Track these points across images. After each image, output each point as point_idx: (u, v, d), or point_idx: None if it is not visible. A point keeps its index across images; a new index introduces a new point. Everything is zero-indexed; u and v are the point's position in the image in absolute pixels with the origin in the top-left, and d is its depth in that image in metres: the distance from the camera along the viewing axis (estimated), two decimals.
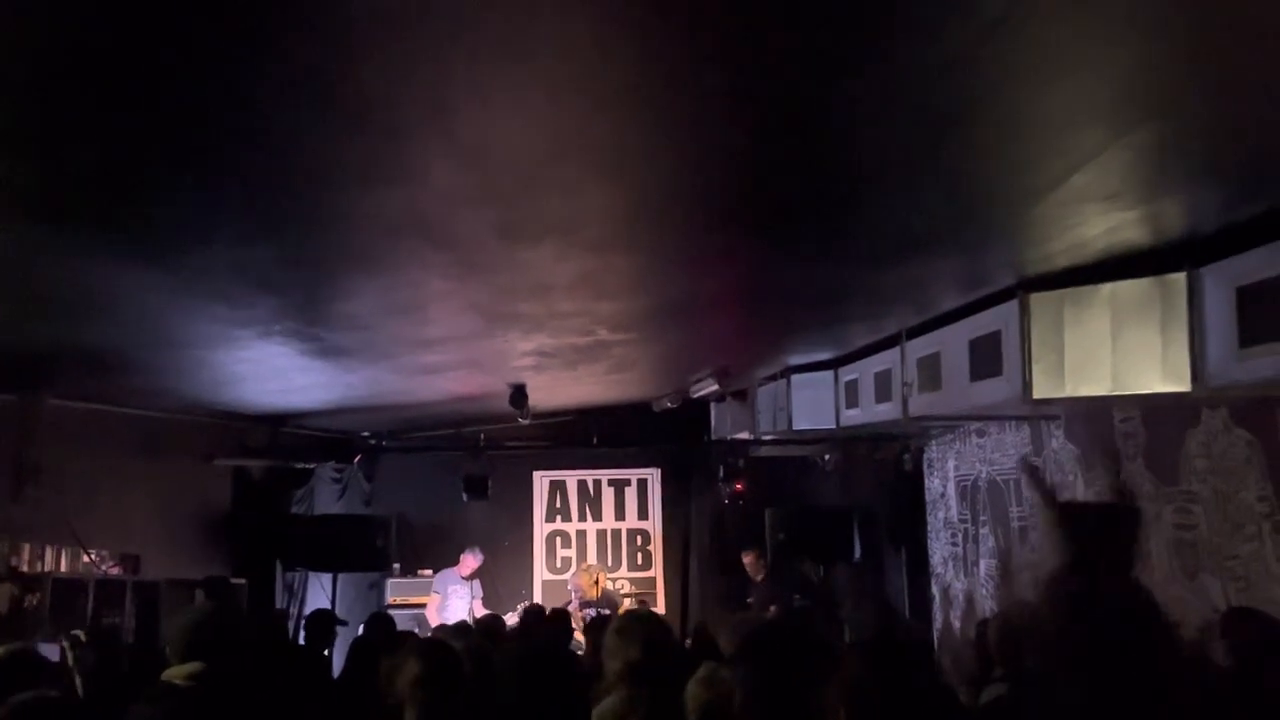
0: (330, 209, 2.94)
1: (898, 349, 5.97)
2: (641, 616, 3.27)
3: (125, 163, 2.63)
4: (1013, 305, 4.60)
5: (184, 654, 2.96)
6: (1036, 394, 4.43)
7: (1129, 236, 3.80)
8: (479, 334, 5.19)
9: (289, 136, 2.40)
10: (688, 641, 5.42)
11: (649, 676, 2.78)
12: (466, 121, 2.37)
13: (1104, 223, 3.55)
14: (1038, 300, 4.48)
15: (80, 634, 4.65)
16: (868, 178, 3.20)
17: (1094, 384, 4.32)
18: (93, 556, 5.96)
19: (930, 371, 5.56)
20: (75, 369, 5.34)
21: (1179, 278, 4.02)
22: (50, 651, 4.32)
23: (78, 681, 4.17)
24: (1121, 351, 4.23)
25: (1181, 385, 3.97)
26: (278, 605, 8.93)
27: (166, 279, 3.67)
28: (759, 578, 9.08)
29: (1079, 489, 5.89)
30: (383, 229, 3.16)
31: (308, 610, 7.82)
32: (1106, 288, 4.27)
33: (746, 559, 9.20)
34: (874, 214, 3.60)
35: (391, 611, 8.79)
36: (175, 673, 2.93)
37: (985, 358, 4.89)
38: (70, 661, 4.22)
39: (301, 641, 6.61)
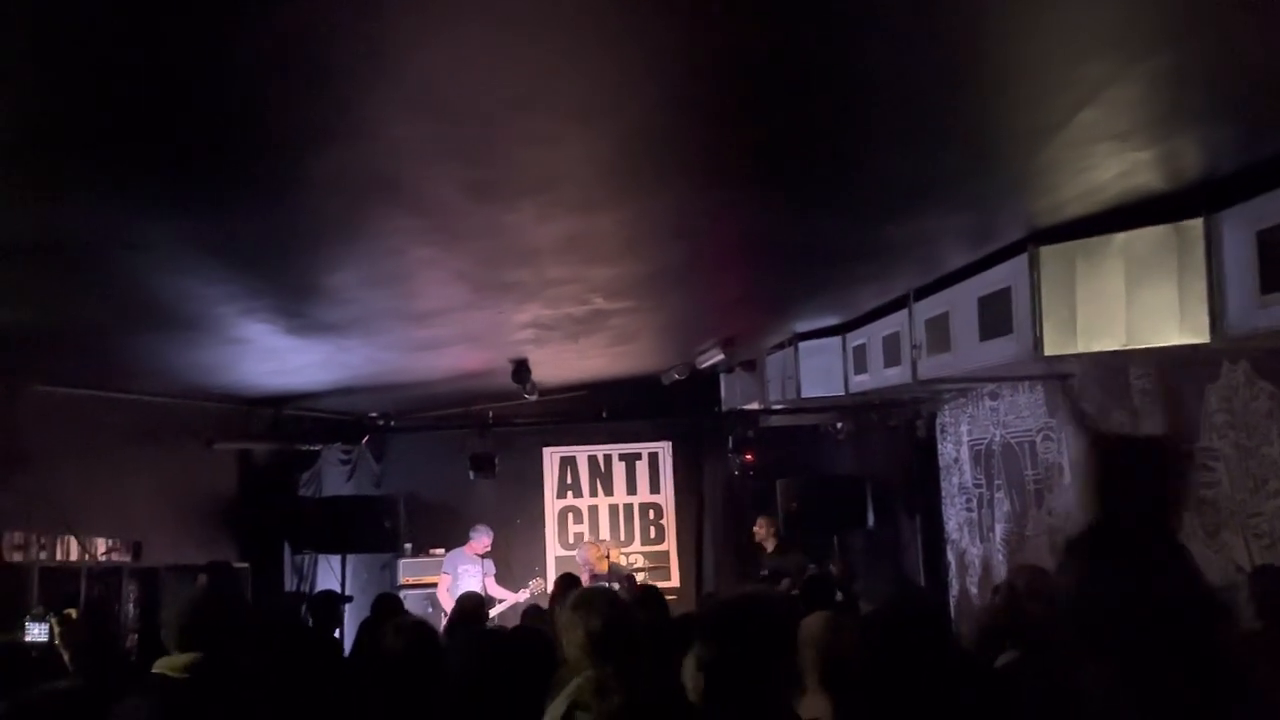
0: (286, 174, 2.77)
1: (905, 311, 5.82)
2: (599, 591, 3.16)
3: (86, 132, 2.49)
4: (1022, 260, 4.44)
5: (180, 642, 2.84)
6: (1048, 350, 4.27)
7: (1143, 181, 3.62)
8: (470, 305, 5.04)
9: (224, 92, 2.23)
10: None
11: (611, 650, 2.66)
12: (411, 64, 2.17)
13: (1116, 165, 3.37)
14: (1048, 253, 4.31)
15: (71, 612, 4.59)
16: (869, 122, 3.01)
17: (1108, 339, 4.15)
18: (85, 544, 5.89)
19: (939, 332, 5.41)
20: (58, 352, 5.23)
21: (1195, 224, 3.85)
22: (41, 632, 4.25)
23: (65, 657, 4.10)
24: (1136, 304, 4.07)
25: (1200, 336, 3.81)
26: (287, 589, 8.87)
27: (135, 256, 3.54)
28: (770, 548, 8.97)
29: None
30: (347, 193, 2.99)
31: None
32: (1120, 237, 4.10)
33: (757, 528, 9.08)
34: (876, 162, 3.42)
35: (404, 592, 8.76)
36: (170, 664, 2.82)
37: (995, 316, 4.73)
38: (58, 640, 4.15)
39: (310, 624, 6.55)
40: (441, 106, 2.40)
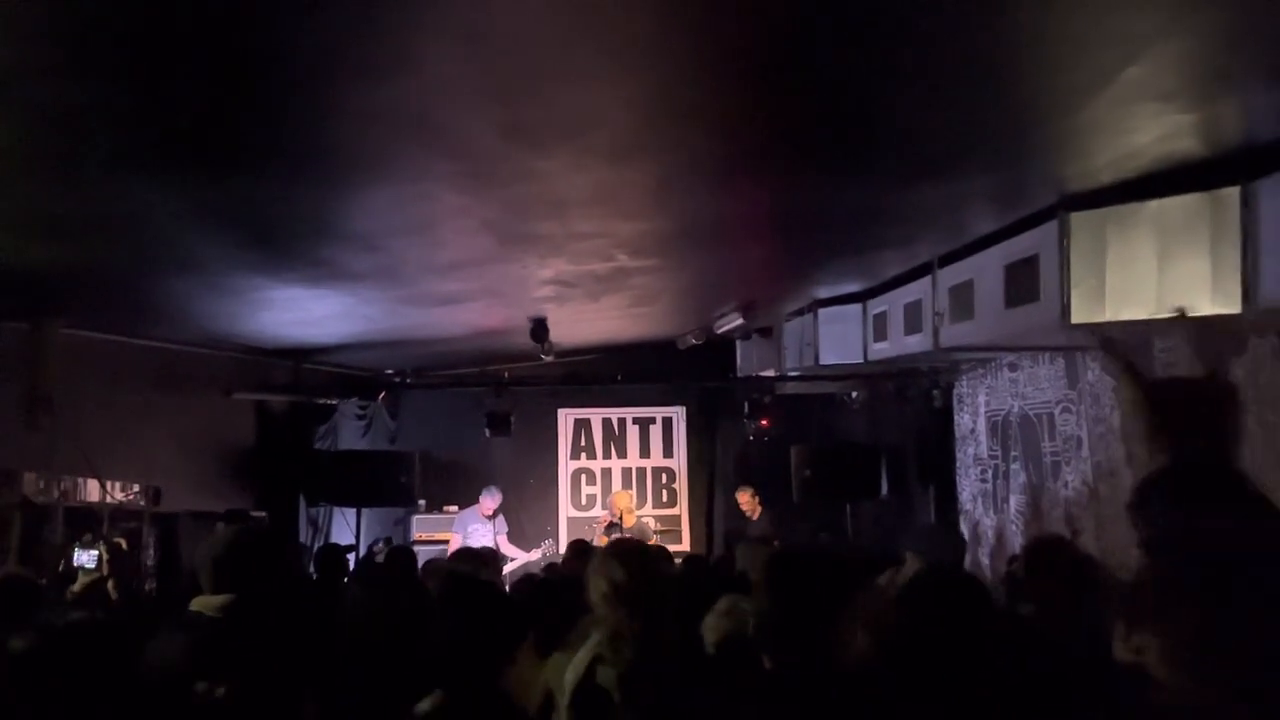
0: (322, 109, 2.75)
1: (928, 278, 5.79)
2: (629, 542, 3.17)
3: (108, 58, 2.48)
4: (1051, 226, 4.40)
5: (215, 583, 2.83)
6: (1075, 318, 4.24)
7: (1182, 145, 3.57)
8: (495, 258, 5.03)
9: (259, 18, 2.20)
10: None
11: (631, 601, 2.67)
12: None
13: (1157, 128, 3.32)
14: (1079, 220, 4.27)
15: (122, 541, 4.65)
16: (898, 77, 2.97)
17: (1137, 307, 4.12)
18: (109, 487, 5.94)
19: (963, 300, 5.38)
20: (85, 294, 5.25)
21: (1232, 192, 3.81)
22: (90, 559, 4.27)
23: (110, 586, 4.15)
24: (1167, 272, 4.03)
25: (1231, 306, 3.78)
26: (301, 540, 8.95)
27: (164, 195, 3.53)
28: (755, 515, 9.03)
29: (1116, 423, 5.71)
30: (380, 130, 2.96)
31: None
32: (1153, 204, 4.06)
33: (741, 497, 9.14)
34: (905, 121, 3.37)
35: (416, 548, 8.82)
36: (205, 603, 2.79)
37: (1021, 283, 4.70)
38: (105, 570, 4.20)
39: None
40: (485, 43, 2.38)
